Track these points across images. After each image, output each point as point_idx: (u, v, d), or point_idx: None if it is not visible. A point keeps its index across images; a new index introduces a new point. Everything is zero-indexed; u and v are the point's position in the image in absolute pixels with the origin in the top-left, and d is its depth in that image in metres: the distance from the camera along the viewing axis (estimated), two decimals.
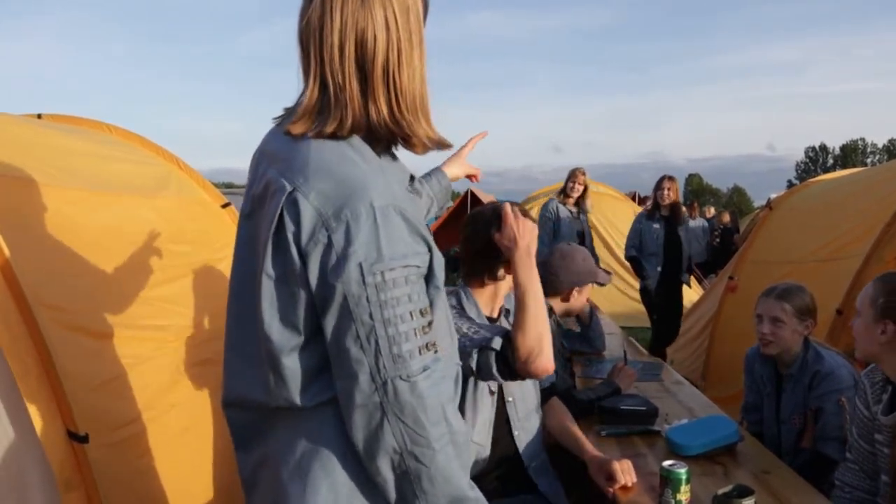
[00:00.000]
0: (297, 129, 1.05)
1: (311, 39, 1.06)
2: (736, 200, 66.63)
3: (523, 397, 2.06)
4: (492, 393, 1.98)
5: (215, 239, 2.88)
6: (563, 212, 5.69)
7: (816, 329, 2.57)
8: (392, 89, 1.06)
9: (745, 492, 1.60)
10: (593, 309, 3.26)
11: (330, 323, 1.00)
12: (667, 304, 5.47)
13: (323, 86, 1.06)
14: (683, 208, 5.79)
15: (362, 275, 0.97)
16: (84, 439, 1.71)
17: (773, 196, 5.80)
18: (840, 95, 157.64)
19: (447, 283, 1.21)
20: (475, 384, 1.92)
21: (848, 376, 2.29)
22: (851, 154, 71.47)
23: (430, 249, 1.07)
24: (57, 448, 1.68)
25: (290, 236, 1.00)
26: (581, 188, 5.80)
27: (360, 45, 1.04)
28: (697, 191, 70.95)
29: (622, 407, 2.29)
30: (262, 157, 1.13)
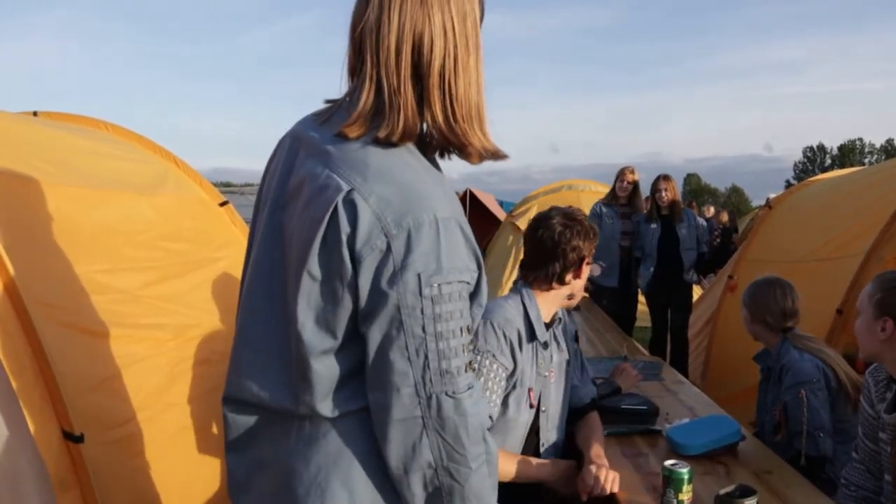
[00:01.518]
0: (353, 132, 1.01)
1: (367, 40, 1.02)
2: (734, 200, 66.73)
3: (556, 410, 2.06)
4: (531, 406, 1.98)
5: (213, 237, 2.86)
6: (607, 213, 5.55)
7: (817, 329, 2.58)
8: (448, 97, 1.03)
9: (747, 492, 1.59)
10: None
11: (376, 332, 0.97)
12: (664, 305, 5.36)
13: (378, 89, 1.02)
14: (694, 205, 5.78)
15: (420, 286, 0.95)
16: (79, 439, 1.70)
17: (773, 196, 5.74)
18: (838, 95, 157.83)
19: None
20: (514, 390, 1.92)
21: (811, 370, 2.27)
22: (849, 154, 71.55)
23: (479, 267, 1.05)
24: (52, 448, 1.66)
25: (344, 237, 0.96)
26: (630, 186, 5.59)
27: (417, 50, 1.01)
28: (696, 190, 70.96)
29: (623, 406, 2.28)
30: (300, 145, 1.08)
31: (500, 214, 12.76)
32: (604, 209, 5.61)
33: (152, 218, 2.53)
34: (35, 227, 1.92)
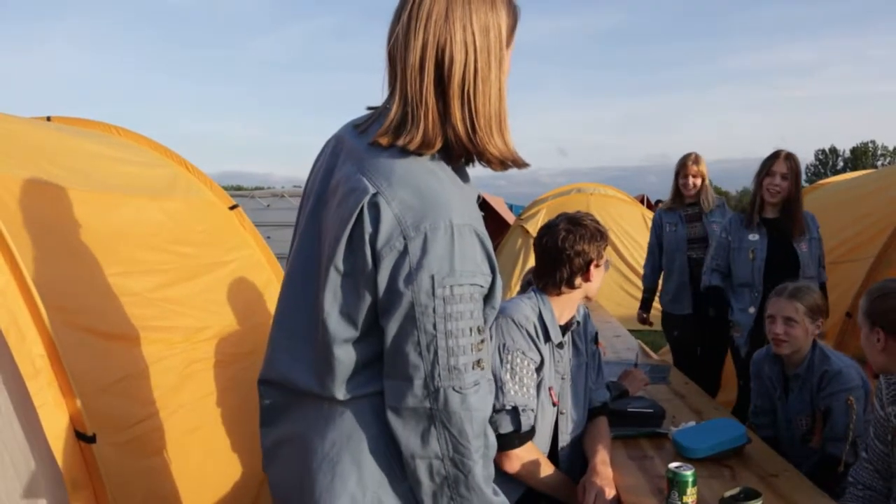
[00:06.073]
0: (383, 142, 1.09)
1: (397, 56, 1.09)
2: (745, 203, 66.18)
3: (575, 413, 2.07)
4: (554, 405, 2.00)
5: (223, 241, 2.89)
6: (667, 220, 4.10)
7: (827, 332, 2.57)
8: (467, 109, 1.09)
9: (751, 494, 1.60)
10: None
11: (392, 326, 1.04)
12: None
13: (404, 102, 1.09)
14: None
15: (433, 286, 1.02)
16: (91, 439, 1.72)
17: None
18: (850, 98, 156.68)
19: None
20: (538, 393, 1.94)
21: (856, 376, 2.30)
22: (862, 157, 70.91)
23: (493, 272, 1.11)
24: (65, 448, 1.69)
25: (367, 237, 1.03)
26: (698, 181, 3.97)
27: (439, 65, 1.07)
28: None
29: (630, 409, 2.29)
30: (342, 148, 1.17)
31: (510, 218, 12.77)
32: (663, 216, 4.13)
33: (163, 221, 2.56)
34: (48, 230, 1.95)
